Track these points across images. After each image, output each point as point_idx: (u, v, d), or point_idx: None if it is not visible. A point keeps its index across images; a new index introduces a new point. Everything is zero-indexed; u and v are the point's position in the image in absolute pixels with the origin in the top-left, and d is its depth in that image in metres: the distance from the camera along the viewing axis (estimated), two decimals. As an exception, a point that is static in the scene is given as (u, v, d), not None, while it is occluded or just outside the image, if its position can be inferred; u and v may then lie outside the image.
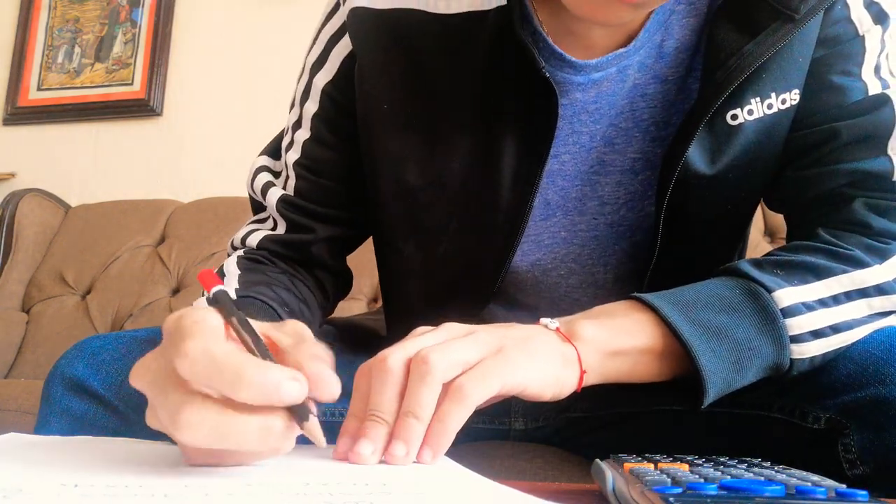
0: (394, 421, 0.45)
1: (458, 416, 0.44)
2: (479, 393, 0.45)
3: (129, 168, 2.31)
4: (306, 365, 0.39)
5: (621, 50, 0.62)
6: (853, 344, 0.56)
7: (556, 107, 0.60)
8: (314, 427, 0.38)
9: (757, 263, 0.57)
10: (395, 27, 0.64)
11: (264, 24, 2.25)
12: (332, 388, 0.39)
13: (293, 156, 0.71)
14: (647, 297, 0.54)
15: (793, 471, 0.39)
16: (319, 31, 0.71)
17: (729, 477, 0.35)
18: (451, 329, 0.50)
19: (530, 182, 0.63)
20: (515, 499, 0.35)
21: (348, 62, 0.69)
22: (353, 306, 1.72)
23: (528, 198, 0.63)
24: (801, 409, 0.57)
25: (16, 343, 1.94)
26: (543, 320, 0.54)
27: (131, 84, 2.32)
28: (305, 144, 0.71)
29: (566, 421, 0.73)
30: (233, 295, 0.58)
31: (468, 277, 0.69)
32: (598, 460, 0.43)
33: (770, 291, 0.54)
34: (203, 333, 0.37)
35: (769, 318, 0.54)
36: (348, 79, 0.68)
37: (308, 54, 0.72)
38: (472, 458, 0.54)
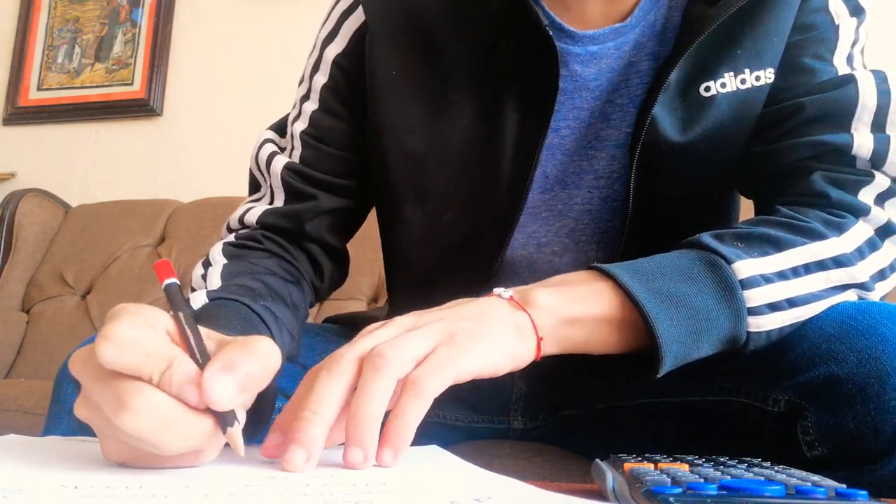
0: (333, 418, 0.43)
1: (416, 411, 0.43)
2: (434, 385, 0.44)
3: (129, 168, 2.31)
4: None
5: (618, 24, 0.64)
6: (808, 322, 0.56)
7: (556, 74, 0.62)
8: (236, 434, 0.38)
9: (717, 235, 0.57)
10: None
11: (264, 23, 2.25)
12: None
13: (300, 126, 0.72)
14: (606, 266, 0.54)
15: (793, 471, 0.39)
16: (332, 9, 0.73)
17: (729, 477, 0.35)
18: (400, 323, 0.49)
19: (531, 156, 0.64)
20: (519, 492, 0.35)
21: (359, 34, 0.70)
22: (353, 306, 1.72)
23: (529, 172, 0.64)
24: (762, 393, 0.56)
25: (16, 343, 1.94)
26: (497, 290, 0.53)
27: (131, 84, 2.32)
28: (313, 115, 0.72)
29: (564, 419, 0.73)
30: (203, 299, 0.58)
31: (472, 248, 0.69)
32: (598, 460, 0.43)
33: (730, 263, 0.54)
34: (128, 316, 0.38)
35: (728, 290, 0.53)
36: (359, 51, 0.70)
37: (319, 31, 0.74)
38: (471, 457, 0.54)
